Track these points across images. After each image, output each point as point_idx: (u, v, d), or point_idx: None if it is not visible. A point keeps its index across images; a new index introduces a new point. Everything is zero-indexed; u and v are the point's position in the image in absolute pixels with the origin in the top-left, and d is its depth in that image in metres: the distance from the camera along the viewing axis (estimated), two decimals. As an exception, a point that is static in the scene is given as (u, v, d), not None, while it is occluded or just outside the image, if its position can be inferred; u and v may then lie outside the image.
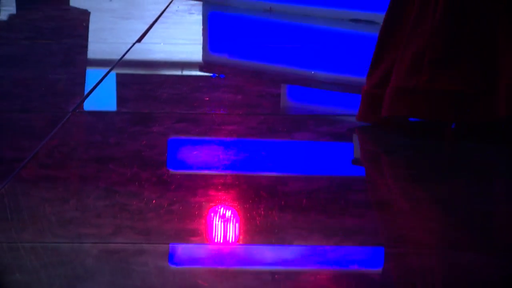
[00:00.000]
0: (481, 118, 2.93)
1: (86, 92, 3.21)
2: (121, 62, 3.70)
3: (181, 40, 4.26)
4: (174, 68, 3.78)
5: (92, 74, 3.48)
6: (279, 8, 4.53)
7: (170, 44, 4.16)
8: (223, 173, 2.51)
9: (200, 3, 4.80)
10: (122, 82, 3.44)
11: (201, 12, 4.73)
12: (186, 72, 3.89)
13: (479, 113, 2.92)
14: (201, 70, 3.93)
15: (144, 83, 3.40)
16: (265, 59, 4.07)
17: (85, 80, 3.42)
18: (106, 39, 4.18)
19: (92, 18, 4.52)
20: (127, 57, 3.80)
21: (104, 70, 3.53)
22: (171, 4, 4.79)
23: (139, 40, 4.04)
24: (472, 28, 3.00)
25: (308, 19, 4.46)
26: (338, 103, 3.48)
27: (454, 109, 2.97)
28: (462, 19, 3.01)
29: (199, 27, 4.66)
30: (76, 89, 3.28)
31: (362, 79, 3.02)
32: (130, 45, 3.95)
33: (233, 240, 2.10)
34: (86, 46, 4.03)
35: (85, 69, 3.60)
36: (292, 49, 4.18)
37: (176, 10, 4.65)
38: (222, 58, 4.27)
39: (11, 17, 4.56)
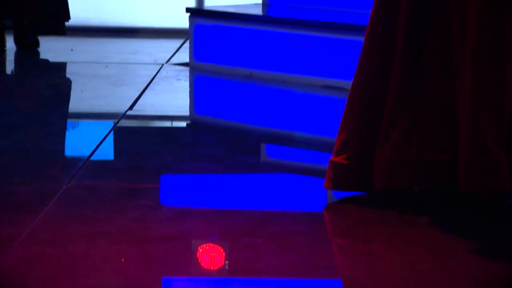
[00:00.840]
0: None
1: (80, 163, 3.12)
2: (114, 131, 3.63)
3: (169, 107, 4.23)
4: (161, 136, 3.69)
5: (87, 144, 3.39)
6: (258, 74, 4.51)
7: (159, 111, 4.11)
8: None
9: (187, 68, 4.75)
10: (114, 152, 3.37)
11: (188, 78, 4.67)
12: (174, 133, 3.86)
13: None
14: (188, 126, 4.01)
15: (133, 153, 3.33)
16: (245, 119, 4.09)
17: (80, 150, 3.32)
18: (101, 107, 4.13)
19: (89, 85, 4.50)
20: (120, 124, 3.76)
21: (98, 138, 3.49)
22: (161, 70, 4.74)
23: (130, 108, 3.99)
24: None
25: (284, 84, 4.43)
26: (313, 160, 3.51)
27: (446, 177, 2.89)
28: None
29: (186, 93, 4.61)
30: (72, 160, 3.25)
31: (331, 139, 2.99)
32: (122, 113, 3.91)
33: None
34: (82, 115, 3.97)
35: (81, 139, 3.46)
36: (269, 111, 4.20)
37: (165, 76, 4.61)
38: (207, 118, 4.26)
39: (14, 84, 4.45)
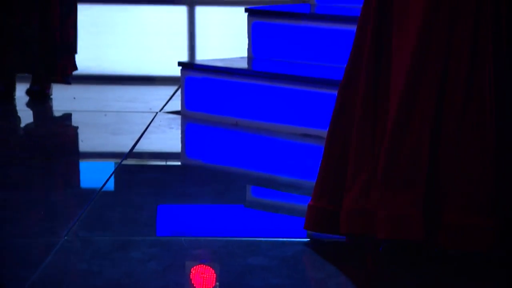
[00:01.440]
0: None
1: (78, 216, 3.10)
2: (110, 182, 3.61)
3: (161, 156, 4.24)
4: (153, 186, 3.65)
5: (84, 195, 3.36)
6: (243, 123, 4.51)
7: (152, 161, 4.12)
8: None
9: (179, 116, 4.75)
10: (109, 203, 3.33)
11: (179, 126, 4.66)
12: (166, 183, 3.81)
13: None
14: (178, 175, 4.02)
15: (126, 205, 3.30)
16: (232, 162, 4.14)
17: (78, 201, 3.30)
18: (99, 156, 4.12)
19: (88, 134, 4.49)
20: (116, 174, 3.75)
21: (95, 189, 3.47)
22: (155, 118, 4.73)
23: (126, 158, 3.98)
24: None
25: (267, 132, 4.45)
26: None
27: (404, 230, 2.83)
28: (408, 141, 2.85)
29: (178, 141, 4.61)
30: (70, 211, 3.19)
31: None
32: (118, 163, 3.90)
33: None
34: (82, 165, 3.97)
35: (79, 191, 3.44)
36: (253, 156, 4.24)
37: (159, 125, 4.59)
38: (198, 162, 4.28)
39: (19, 133, 4.46)
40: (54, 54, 5.06)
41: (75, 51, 5.14)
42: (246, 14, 4.99)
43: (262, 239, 2.98)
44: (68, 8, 5.10)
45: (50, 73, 5.09)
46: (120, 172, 3.77)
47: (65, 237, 2.87)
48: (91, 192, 3.43)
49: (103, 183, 3.54)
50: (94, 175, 3.77)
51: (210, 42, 5.81)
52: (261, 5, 5.26)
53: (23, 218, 3.11)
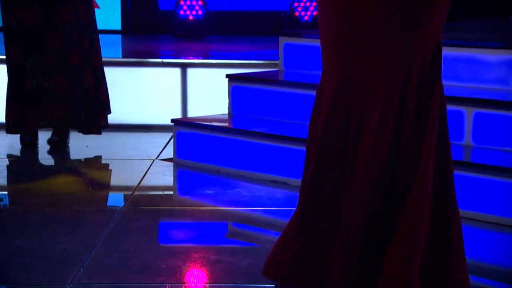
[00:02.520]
0: None
1: (82, 262, 3.06)
2: (110, 228, 3.56)
3: (155, 203, 4.21)
4: (147, 232, 3.62)
5: (88, 241, 3.33)
6: (224, 170, 4.52)
7: (147, 207, 4.04)
8: None
9: (171, 164, 4.73)
10: (108, 250, 3.28)
11: (171, 173, 4.65)
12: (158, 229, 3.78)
13: None
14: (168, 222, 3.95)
15: (123, 251, 3.25)
16: (215, 202, 4.11)
17: (82, 248, 3.25)
18: (102, 205, 4.07)
19: (95, 182, 4.47)
20: (116, 221, 3.69)
21: (98, 235, 3.43)
22: (152, 165, 4.71)
23: (125, 205, 3.99)
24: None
25: (243, 178, 4.46)
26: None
27: None
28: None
29: (170, 187, 4.58)
30: (76, 259, 3.11)
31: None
32: (119, 210, 3.87)
33: None
34: (88, 212, 3.86)
35: (84, 238, 3.40)
36: (232, 196, 4.20)
37: (155, 171, 4.58)
38: (186, 209, 4.30)
39: (39, 182, 4.35)
40: (94, 112, 4.99)
41: (109, 110, 5.07)
42: (227, 79, 4.98)
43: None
44: (101, 72, 5.04)
45: (88, 128, 5.01)
46: (120, 219, 3.71)
47: (70, 284, 2.85)
48: (94, 238, 3.38)
49: (106, 231, 3.49)
50: (98, 221, 3.68)
51: (200, 98, 5.79)
52: (240, 72, 5.25)
53: (36, 265, 3.07)
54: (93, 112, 4.96)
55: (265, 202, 4.10)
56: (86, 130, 5.00)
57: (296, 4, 7.79)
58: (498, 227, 3.60)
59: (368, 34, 2.52)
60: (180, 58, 6.09)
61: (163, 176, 4.59)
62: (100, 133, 5.05)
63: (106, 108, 5.05)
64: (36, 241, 3.35)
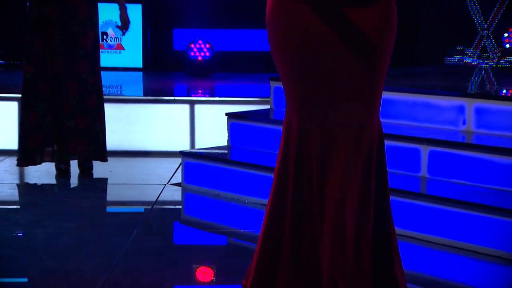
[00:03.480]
0: None
1: (101, 283, 3.05)
2: (124, 250, 3.53)
3: (164, 224, 4.13)
4: (156, 254, 3.57)
5: (106, 263, 3.30)
6: (223, 194, 4.53)
7: (157, 231, 4.00)
8: None
9: (179, 188, 4.78)
10: (122, 272, 3.26)
11: (180, 196, 4.66)
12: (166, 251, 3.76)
13: None
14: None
15: (134, 270, 3.25)
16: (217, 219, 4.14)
17: (103, 269, 3.23)
18: (120, 228, 4.01)
19: (115, 206, 4.45)
20: (129, 245, 3.66)
21: (115, 257, 3.40)
22: (163, 190, 4.72)
23: (137, 228, 3.94)
24: None
25: (238, 201, 4.46)
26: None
27: None
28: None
29: (179, 210, 4.55)
30: (97, 279, 3.10)
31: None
32: (132, 235, 3.80)
33: None
34: (109, 235, 3.82)
35: (105, 260, 3.36)
36: (231, 216, 4.24)
37: (166, 195, 4.57)
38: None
39: (69, 205, 4.32)
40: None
41: None
42: (226, 117, 4.99)
43: None
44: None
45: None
46: (134, 241, 3.67)
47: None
48: (113, 258, 3.37)
49: (121, 254, 3.46)
50: (116, 242, 3.64)
51: (205, 129, 5.80)
52: (239, 110, 5.25)
53: (62, 285, 3.07)
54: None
55: (256, 222, 4.05)
56: (105, 159, 5.00)
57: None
58: (450, 248, 3.59)
59: (328, 79, 2.38)
60: (189, 96, 6.11)
61: (172, 199, 4.59)
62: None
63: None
64: (64, 263, 3.34)
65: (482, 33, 7.52)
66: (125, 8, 4.97)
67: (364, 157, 2.41)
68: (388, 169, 3.08)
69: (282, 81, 2.48)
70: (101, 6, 6.72)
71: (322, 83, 2.40)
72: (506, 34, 6.06)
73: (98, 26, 4.97)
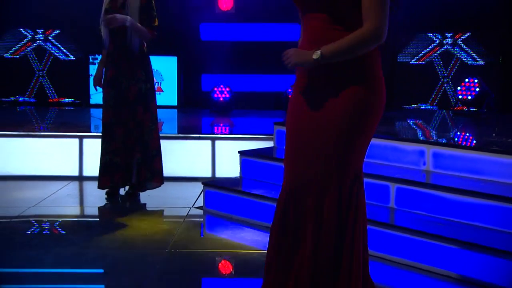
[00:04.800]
0: None
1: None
2: (157, 268, 3.48)
3: (188, 243, 4.01)
4: (181, 273, 3.50)
5: (139, 283, 3.24)
6: (236, 218, 4.50)
7: (184, 251, 3.88)
8: None
9: (201, 211, 4.72)
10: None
11: (202, 218, 4.59)
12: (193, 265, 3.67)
13: None
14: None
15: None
16: (231, 237, 4.02)
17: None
18: (153, 249, 3.90)
19: (149, 226, 4.34)
20: (162, 262, 3.60)
21: (146, 277, 3.34)
22: (189, 212, 4.66)
23: (167, 248, 3.86)
24: None
25: (248, 224, 4.40)
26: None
27: None
28: None
29: (199, 228, 4.47)
30: None
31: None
32: (165, 255, 3.75)
33: None
34: (144, 255, 3.71)
35: (139, 282, 3.28)
36: (242, 235, 4.10)
37: (190, 217, 4.51)
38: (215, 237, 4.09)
39: (112, 227, 4.24)
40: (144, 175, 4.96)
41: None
42: (238, 154, 4.99)
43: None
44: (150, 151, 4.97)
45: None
46: (163, 261, 3.60)
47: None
48: (144, 278, 3.30)
49: (152, 272, 3.40)
50: (148, 261, 3.55)
51: (224, 161, 5.77)
52: (248, 149, 5.15)
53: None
54: (144, 176, 4.91)
55: (262, 241, 4.01)
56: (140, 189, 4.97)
57: (290, 90, 7.80)
58: (411, 268, 3.56)
59: (309, 151, 2.33)
60: (211, 133, 6.10)
61: (196, 219, 4.55)
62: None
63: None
64: (108, 282, 3.30)
65: (443, 80, 7.48)
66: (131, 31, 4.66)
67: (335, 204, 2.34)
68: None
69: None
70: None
71: (302, 152, 2.38)
72: (458, 88, 5.97)
73: (153, 81, 4.96)
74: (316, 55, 2.24)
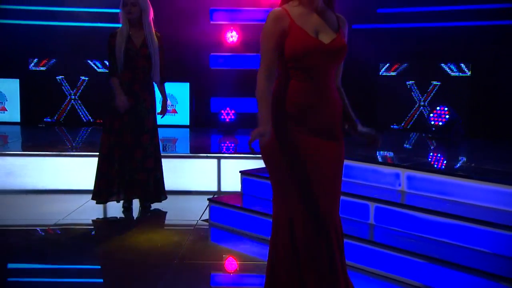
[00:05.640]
0: None
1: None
2: (165, 279, 3.44)
3: (195, 255, 3.94)
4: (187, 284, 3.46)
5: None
6: (236, 231, 4.43)
7: (193, 263, 3.82)
8: None
9: (207, 224, 4.65)
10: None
11: (208, 231, 4.54)
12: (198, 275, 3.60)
13: None
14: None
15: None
16: (232, 246, 3.95)
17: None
18: (163, 260, 3.84)
19: (161, 238, 4.30)
20: (167, 274, 3.55)
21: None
22: (196, 225, 4.61)
23: (175, 260, 3.81)
24: None
25: (247, 236, 4.29)
26: None
27: None
28: None
29: (208, 241, 4.42)
30: None
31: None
32: (172, 265, 3.72)
33: None
34: (154, 267, 3.65)
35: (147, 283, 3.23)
36: (245, 246, 4.05)
37: (197, 229, 4.47)
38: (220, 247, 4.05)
39: (126, 240, 4.16)
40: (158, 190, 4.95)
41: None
42: (239, 173, 4.97)
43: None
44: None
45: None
46: (172, 273, 3.53)
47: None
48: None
49: (161, 284, 3.37)
50: (159, 273, 3.51)
51: (228, 176, 5.73)
52: (248, 169, 5.11)
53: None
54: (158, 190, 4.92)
55: (260, 252, 3.98)
56: (159, 200, 4.98)
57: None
58: (390, 280, 3.51)
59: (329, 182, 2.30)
60: (218, 152, 6.08)
61: (202, 233, 4.51)
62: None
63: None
64: None
65: (420, 103, 7.41)
66: (166, 101, 4.94)
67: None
68: (347, 217, 3.06)
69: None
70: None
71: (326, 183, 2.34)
72: (431, 115, 5.94)
73: (156, 110, 4.97)
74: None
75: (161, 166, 4.98)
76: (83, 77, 8.34)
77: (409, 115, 7.44)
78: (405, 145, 5.68)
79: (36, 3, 8.27)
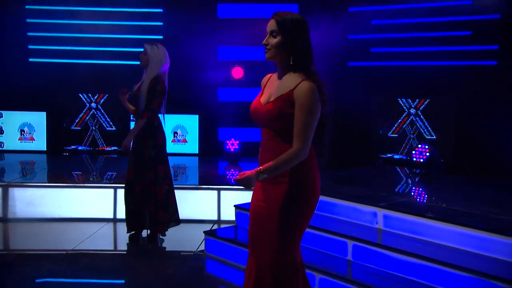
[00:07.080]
0: None
1: None
2: None
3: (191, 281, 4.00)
4: None
5: None
6: (230, 263, 4.39)
7: None
8: None
9: (203, 254, 4.63)
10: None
11: (205, 262, 4.53)
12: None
13: None
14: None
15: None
16: (229, 277, 3.91)
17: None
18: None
19: (160, 268, 4.29)
20: None
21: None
22: (194, 255, 4.63)
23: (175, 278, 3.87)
24: None
25: (240, 269, 4.28)
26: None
27: None
28: None
29: (203, 267, 4.42)
30: None
31: None
32: None
33: None
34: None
35: None
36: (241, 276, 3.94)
37: (196, 258, 4.47)
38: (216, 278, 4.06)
39: (134, 267, 4.20)
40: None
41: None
42: (234, 207, 4.98)
43: None
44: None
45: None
46: None
47: None
48: None
49: None
50: None
51: (227, 205, 5.72)
52: (242, 203, 5.12)
53: None
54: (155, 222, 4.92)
55: None
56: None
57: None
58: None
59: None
60: (217, 184, 6.08)
61: (198, 263, 4.52)
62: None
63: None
64: None
65: (410, 136, 7.35)
66: (133, 134, 4.63)
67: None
68: (327, 252, 3.02)
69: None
70: (171, 116, 6.81)
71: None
72: (413, 152, 5.90)
73: (161, 148, 4.88)
74: (258, 175, 2.29)
75: (164, 199, 4.96)
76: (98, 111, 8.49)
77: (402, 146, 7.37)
78: (384, 183, 5.64)
79: (61, 44, 8.47)
